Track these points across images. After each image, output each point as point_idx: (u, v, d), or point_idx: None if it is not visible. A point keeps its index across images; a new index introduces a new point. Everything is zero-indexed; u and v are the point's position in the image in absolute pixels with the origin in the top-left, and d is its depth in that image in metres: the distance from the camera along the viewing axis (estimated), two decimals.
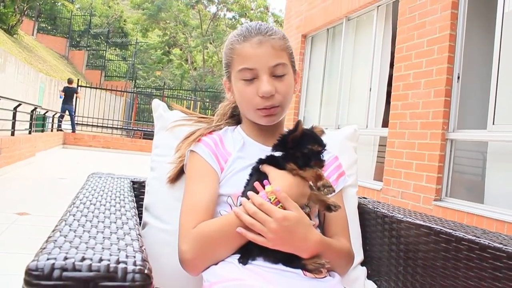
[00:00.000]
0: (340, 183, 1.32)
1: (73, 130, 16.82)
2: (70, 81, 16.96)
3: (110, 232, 0.75)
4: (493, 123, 4.02)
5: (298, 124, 1.12)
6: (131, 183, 1.50)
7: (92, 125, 19.24)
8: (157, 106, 1.50)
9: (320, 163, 1.13)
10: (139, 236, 0.75)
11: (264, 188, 1.10)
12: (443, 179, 4.44)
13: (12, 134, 9.10)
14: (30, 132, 11.05)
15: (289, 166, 1.12)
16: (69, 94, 16.40)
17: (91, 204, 1.00)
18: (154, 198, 1.35)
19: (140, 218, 1.38)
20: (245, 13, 34.20)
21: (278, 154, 1.16)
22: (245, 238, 1.06)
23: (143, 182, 1.51)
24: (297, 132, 1.12)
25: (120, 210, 0.97)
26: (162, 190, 1.34)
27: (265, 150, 1.23)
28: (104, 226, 0.79)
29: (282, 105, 1.22)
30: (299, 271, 1.05)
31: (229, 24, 35.21)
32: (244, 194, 1.15)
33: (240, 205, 1.10)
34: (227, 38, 1.27)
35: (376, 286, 1.37)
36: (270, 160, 1.16)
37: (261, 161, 1.18)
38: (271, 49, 1.18)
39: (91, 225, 0.78)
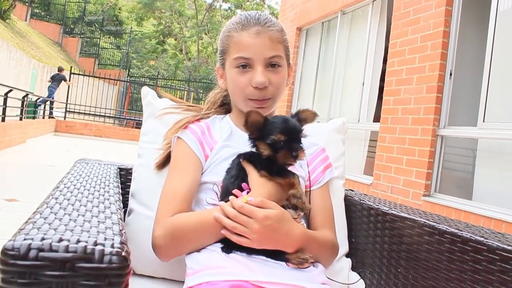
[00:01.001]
0: (326, 175, 1.32)
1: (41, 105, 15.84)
2: (60, 69, 17.07)
3: (91, 216, 0.75)
4: (484, 121, 4.04)
5: (248, 114, 1.09)
6: (118, 170, 1.49)
7: (84, 113, 19.11)
8: (146, 93, 1.49)
9: (287, 155, 1.07)
10: (120, 220, 0.75)
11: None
12: (433, 175, 4.47)
13: (3, 120, 9.03)
14: (21, 119, 10.99)
15: (262, 173, 1.10)
16: (56, 79, 16.41)
17: (75, 188, 0.99)
18: (140, 185, 1.35)
19: (127, 205, 1.38)
20: (241, 5, 34.05)
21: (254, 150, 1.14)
22: (218, 237, 1.08)
23: (131, 169, 1.51)
24: (250, 121, 1.09)
25: (104, 195, 0.97)
26: (149, 176, 1.33)
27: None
28: (86, 210, 0.79)
29: (274, 97, 1.23)
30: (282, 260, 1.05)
31: (224, 15, 35.03)
32: (223, 184, 1.16)
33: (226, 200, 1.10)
34: (225, 25, 1.27)
35: (360, 278, 1.38)
36: (250, 156, 1.14)
37: (241, 157, 1.16)
38: (268, 40, 1.18)
39: (73, 209, 0.78)
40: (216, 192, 1.19)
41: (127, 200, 1.39)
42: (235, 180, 1.14)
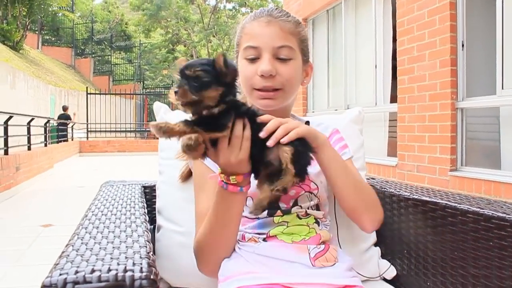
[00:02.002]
0: (345, 154, 1.25)
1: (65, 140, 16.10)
2: (64, 108, 17.39)
3: (120, 242, 0.78)
4: (502, 88, 3.98)
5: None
6: (142, 188, 1.54)
7: (106, 131, 19.44)
8: (158, 108, 1.52)
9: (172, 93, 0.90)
10: (147, 242, 0.79)
11: None
12: (457, 149, 4.42)
13: (29, 148, 9.26)
14: (46, 145, 11.24)
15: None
16: (62, 119, 16.42)
17: (102, 215, 1.03)
18: (165, 201, 1.39)
19: (155, 220, 1.42)
20: (245, 2, 34.03)
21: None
22: (229, 222, 1.06)
23: (154, 186, 1.55)
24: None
25: (130, 218, 1.01)
26: (172, 193, 1.37)
27: None
28: (114, 236, 0.83)
29: (284, 89, 1.17)
30: (308, 261, 1.07)
31: (229, 15, 35.09)
32: None
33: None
34: (242, 21, 1.26)
35: (390, 265, 1.39)
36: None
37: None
38: (278, 29, 1.15)
39: (102, 236, 0.82)
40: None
41: (155, 216, 1.43)
42: None
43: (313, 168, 1.16)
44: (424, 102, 4.74)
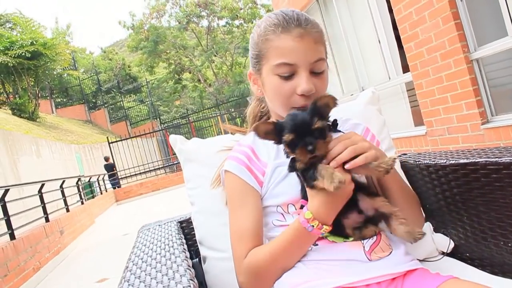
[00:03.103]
0: None
1: (119, 186, 18.56)
2: (106, 158, 19.74)
3: (163, 287, 0.76)
4: None
5: (255, 129, 1.01)
6: (178, 224, 1.52)
7: (136, 174, 19.71)
8: (175, 141, 1.50)
9: (303, 152, 0.96)
10: (190, 281, 0.76)
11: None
12: (483, 100, 4.29)
13: (67, 210, 9.44)
14: (82, 203, 11.44)
15: (307, 186, 1.01)
16: (108, 169, 19.22)
17: (143, 262, 1.02)
18: (204, 231, 1.37)
19: (199, 253, 1.40)
20: (236, 15, 34.22)
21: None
22: (296, 256, 1.06)
23: (190, 218, 1.53)
24: (260, 135, 1.01)
25: (171, 258, 0.99)
26: (208, 221, 1.35)
27: None
28: (157, 282, 0.80)
29: None
30: (363, 256, 1.03)
31: (225, 31, 35.32)
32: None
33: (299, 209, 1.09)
34: (258, 27, 1.16)
35: (445, 237, 1.33)
36: (291, 167, 1.05)
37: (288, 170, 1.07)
38: (312, 43, 1.08)
39: (145, 286, 0.80)
40: (281, 213, 1.14)
41: (198, 248, 1.41)
42: (302, 191, 1.08)
43: None
44: (436, 63, 4.62)
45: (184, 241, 1.24)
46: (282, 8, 1.16)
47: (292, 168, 1.04)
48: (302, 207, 1.07)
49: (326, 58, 1.16)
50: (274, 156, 1.17)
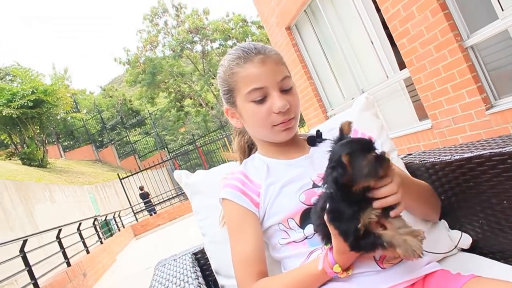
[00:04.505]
0: None
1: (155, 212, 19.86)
2: (141, 188, 21.09)
3: None
4: (502, 9, 3.84)
5: (342, 162, 0.89)
6: (193, 256, 1.51)
7: (142, 210, 19.77)
8: (179, 176, 1.52)
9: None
10: None
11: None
12: (484, 86, 4.26)
13: (87, 252, 9.45)
14: (101, 242, 11.45)
15: (350, 246, 0.92)
16: (144, 197, 20.54)
17: None
18: (218, 261, 1.36)
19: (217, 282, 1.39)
20: (229, 36, 34.51)
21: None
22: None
23: (203, 249, 1.52)
24: (346, 175, 0.89)
25: None
26: (222, 250, 1.34)
27: (290, 164, 1.22)
28: None
29: (296, 116, 1.21)
30: (375, 266, 1.01)
31: (219, 52, 35.59)
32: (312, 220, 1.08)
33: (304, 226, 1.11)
34: (222, 65, 1.25)
35: (462, 233, 1.31)
36: (335, 216, 0.93)
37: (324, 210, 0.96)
38: (274, 65, 1.17)
39: None
40: (284, 231, 1.16)
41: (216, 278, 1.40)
42: (318, 226, 1.03)
43: None
44: (432, 56, 4.61)
45: (199, 274, 1.24)
46: (238, 44, 1.26)
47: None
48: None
49: (290, 76, 1.22)
50: (265, 176, 1.22)
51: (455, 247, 1.29)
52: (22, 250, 6.16)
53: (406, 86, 5.58)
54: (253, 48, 1.18)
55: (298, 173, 1.19)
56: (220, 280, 1.36)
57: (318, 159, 1.21)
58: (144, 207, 19.94)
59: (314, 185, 1.16)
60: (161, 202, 20.36)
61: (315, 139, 1.29)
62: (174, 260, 1.52)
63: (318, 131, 1.31)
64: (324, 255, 1.00)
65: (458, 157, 1.22)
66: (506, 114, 4.04)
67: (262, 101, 1.16)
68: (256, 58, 1.16)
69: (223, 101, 1.29)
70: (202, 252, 1.54)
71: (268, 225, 1.18)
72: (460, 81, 4.38)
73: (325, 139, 1.28)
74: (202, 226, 1.42)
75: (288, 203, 1.15)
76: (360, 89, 6.47)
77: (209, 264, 1.46)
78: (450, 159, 1.24)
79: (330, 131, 1.27)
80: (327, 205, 0.94)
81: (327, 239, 1.00)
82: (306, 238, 1.11)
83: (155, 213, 19.49)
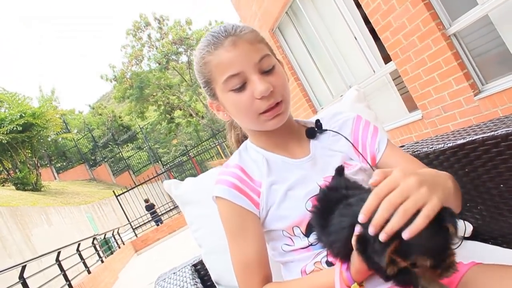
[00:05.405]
0: (381, 137, 1.14)
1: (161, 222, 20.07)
2: (146, 200, 21.55)
3: None
4: None
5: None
6: (193, 267, 1.49)
7: (149, 221, 19.64)
8: (169, 186, 1.48)
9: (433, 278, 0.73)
10: None
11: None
12: (470, 72, 4.27)
13: (89, 272, 9.36)
14: (102, 261, 11.35)
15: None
16: (150, 208, 20.86)
17: None
18: (218, 271, 1.34)
19: None
20: None
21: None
22: None
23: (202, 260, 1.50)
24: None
25: None
26: (220, 260, 1.32)
27: (292, 164, 1.11)
28: None
29: (284, 99, 1.06)
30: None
31: None
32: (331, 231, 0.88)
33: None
34: (195, 56, 1.12)
35: (462, 221, 1.29)
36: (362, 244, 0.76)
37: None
38: (249, 45, 1.03)
39: None
40: (288, 237, 1.06)
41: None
42: (333, 243, 0.89)
43: (351, 170, 1.08)
44: (416, 46, 4.62)
45: (200, 286, 1.21)
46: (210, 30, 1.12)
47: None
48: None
49: (273, 53, 1.10)
50: (266, 173, 1.10)
51: (460, 238, 1.27)
52: (21, 276, 6.08)
53: (393, 79, 5.59)
54: (222, 31, 1.05)
55: (302, 175, 1.08)
56: None
57: (322, 158, 1.12)
58: (151, 218, 20.21)
59: None
60: (160, 215, 20.26)
61: (315, 131, 1.17)
62: (174, 273, 1.49)
63: (318, 121, 1.19)
64: (339, 273, 0.90)
65: (451, 144, 1.20)
66: (494, 98, 4.05)
67: (241, 88, 1.03)
68: (227, 41, 1.02)
69: (206, 95, 1.17)
70: (202, 263, 1.52)
71: (271, 229, 1.09)
72: (446, 69, 4.39)
73: (325, 130, 1.17)
74: (197, 237, 1.39)
75: (294, 211, 1.04)
76: (348, 86, 6.47)
77: (210, 274, 1.44)
78: (443, 147, 1.23)
79: (334, 117, 1.21)
80: (357, 232, 0.77)
81: (343, 257, 0.89)
82: (311, 244, 1.04)
83: (161, 223, 19.75)
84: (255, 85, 1.01)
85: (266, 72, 1.03)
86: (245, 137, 1.26)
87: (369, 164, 1.11)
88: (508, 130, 1.02)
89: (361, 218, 0.73)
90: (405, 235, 0.67)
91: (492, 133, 1.06)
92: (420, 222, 0.67)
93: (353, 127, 1.17)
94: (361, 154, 1.13)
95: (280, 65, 1.12)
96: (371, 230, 0.70)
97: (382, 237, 0.69)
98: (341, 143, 1.15)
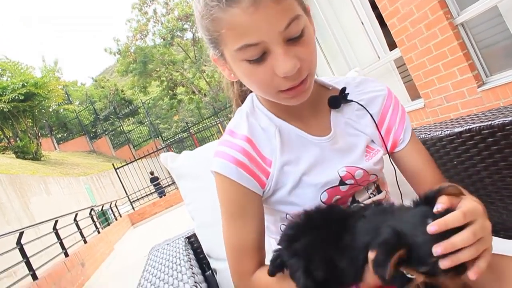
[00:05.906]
0: (407, 126, 1.02)
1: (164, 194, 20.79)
2: (151, 173, 22.07)
3: None
4: None
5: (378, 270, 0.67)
6: (186, 239, 1.51)
7: (148, 195, 19.75)
8: (165, 159, 1.47)
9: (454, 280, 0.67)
10: None
11: None
12: (475, 63, 4.25)
13: (85, 242, 9.46)
14: (99, 232, 11.46)
15: None
16: (154, 180, 21.39)
17: (151, 285, 1.01)
18: (209, 244, 1.36)
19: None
20: None
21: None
22: None
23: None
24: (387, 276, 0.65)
25: (178, 277, 0.97)
26: (211, 234, 1.34)
27: (307, 139, 0.96)
28: None
29: (311, 71, 0.86)
30: None
31: None
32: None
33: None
34: (198, 4, 0.84)
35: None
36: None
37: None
38: (273, 5, 0.76)
39: None
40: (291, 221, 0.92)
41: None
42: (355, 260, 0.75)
43: (374, 158, 0.98)
44: (422, 34, 4.59)
45: (192, 256, 1.23)
46: None
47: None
48: None
49: (302, 6, 0.85)
50: (279, 150, 0.94)
51: None
52: (19, 242, 6.16)
53: (397, 67, 5.57)
54: None
55: (320, 156, 0.95)
56: (212, 263, 1.36)
57: (343, 138, 0.98)
58: (154, 190, 20.69)
59: (341, 183, 0.93)
60: (156, 191, 20.39)
61: (340, 100, 1.00)
62: (168, 244, 1.51)
63: (344, 89, 1.01)
64: None
65: (448, 132, 1.21)
66: (497, 91, 4.04)
67: (260, 60, 0.81)
68: (245, 2, 0.76)
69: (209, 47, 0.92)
70: (195, 235, 1.54)
71: (274, 208, 0.99)
72: (451, 59, 4.37)
73: (351, 101, 1.01)
74: (190, 210, 1.40)
75: (307, 201, 0.92)
76: (350, 70, 6.44)
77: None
78: (440, 134, 1.24)
79: (356, 88, 1.04)
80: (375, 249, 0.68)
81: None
82: None
83: (164, 195, 20.22)
84: (278, 61, 0.80)
85: (293, 40, 0.80)
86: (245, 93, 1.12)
87: (387, 151, 1.01)
88: (505, 120, 1.02)
89: (434, 229, 0.63)
90: (472, 275, 0.63)
91: (490, 122, 1.07)
92: (483, 266, 0.64)
93: (382, 106, 1.03)
94: (382, 139, 1.00)
95: (309, 19, 0.88)
96: (437, 250, 0.62)
97: (445, 263, 0.63)
98: (365, 121, 1.01)
